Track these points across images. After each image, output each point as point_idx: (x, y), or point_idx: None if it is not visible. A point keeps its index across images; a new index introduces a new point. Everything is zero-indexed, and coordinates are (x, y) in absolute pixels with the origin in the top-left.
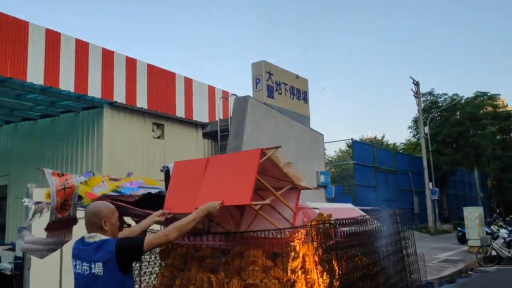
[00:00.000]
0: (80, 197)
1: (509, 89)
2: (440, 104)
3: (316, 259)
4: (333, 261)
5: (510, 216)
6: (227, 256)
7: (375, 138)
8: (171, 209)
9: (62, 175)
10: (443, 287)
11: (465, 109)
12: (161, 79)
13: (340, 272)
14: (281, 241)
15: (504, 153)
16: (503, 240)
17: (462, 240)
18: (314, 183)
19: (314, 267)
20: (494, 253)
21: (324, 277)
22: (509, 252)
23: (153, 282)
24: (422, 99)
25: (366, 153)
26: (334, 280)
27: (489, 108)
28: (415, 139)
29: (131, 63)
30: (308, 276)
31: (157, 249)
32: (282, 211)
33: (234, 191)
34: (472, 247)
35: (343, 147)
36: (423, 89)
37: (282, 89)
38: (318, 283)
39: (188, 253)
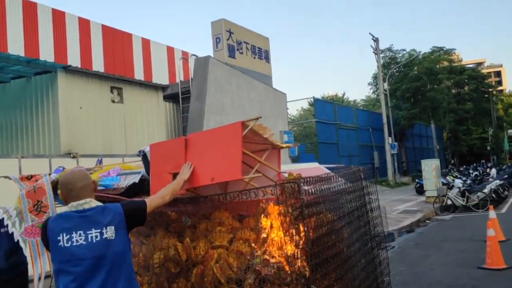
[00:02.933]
0: (56, 194)
1: (464, 44)
2: (399, 60)
3: (282, 218)
4: (299, 219)
5: (464, 166)
6: (193, 219)
7: (336, 95)
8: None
9: (31, 177)
10: (402, 236)
11: (423, 64)
12: (117, 40)
13: (305, 229)
14: (249, 203)
15: (459, 106)
16: (457, 190)
17: (420, 191)
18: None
19: (281, 226)
20: (449, 202)
21: (292, 234)
22: (463, 200)
23: None
24: (381, 55)
25: (328, 111)
26: (301, 237)
27: (445, 63)
28: (375, 95)
29: (84, 24)
30: (275, 235)
31: None
32: (267, 173)
33: (222, 167)
34: (429, 197)
35: (305, 105)
36: (382, 46)
37: (243, 48)
38: (285, 241)
39: (153, 218)
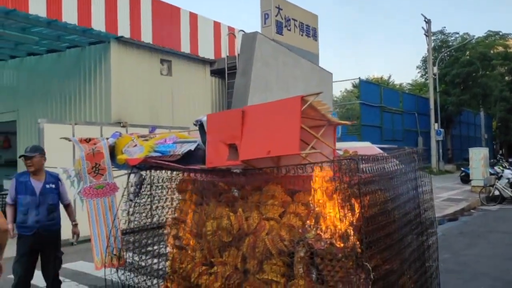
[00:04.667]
0: (113, 158)
1: None
2: (451, 43)
3: (337, 195)
4: (353, 197)
5: None
6: (244, 191)
7: (381, 78)
8: (213, 162)
9: (89, 140)
10: (445, 224)
11: (476, 49)
12: (165, 13)
13: (361, 207)
14: (302, 178)
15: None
16: (507, 181)
17: (465, 180)
18: None
19: (336, 203)
20: (497, 193)
21: (346, 211)
22: (511, 192)
23: (166, 216)
24: (432, 38)
25: (373, 93)
26: (355, 214)
27: (500, 48)
28: (423, 79)
29: None
30: (329, 211)
31: (173, 184)
32: (322, 150)
33: (279, 141)
34: (475, 187)
35: (349, 87)
36: (434, 28)
37: (291, 25)
38: (339, 218)
39: (205, 188)
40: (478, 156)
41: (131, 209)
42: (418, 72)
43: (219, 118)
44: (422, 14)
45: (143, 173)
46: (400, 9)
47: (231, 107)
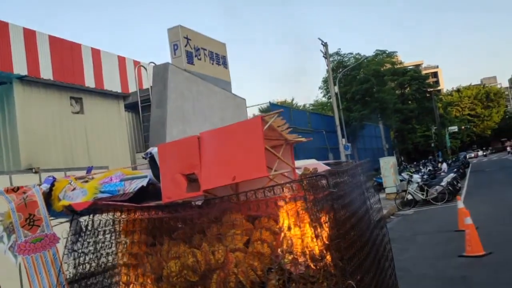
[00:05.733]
0: (49, 206)
1: (402, 47)
2: (347, 63)
3: (308, 215)
4: (324, 214)
5: (414, 163)
6: (199, 225)
7: (285, 101)
8: (171, 196)
9: (17, 189)
10: None
11: (370, 67)
12: (66, 50)
13: (333, 224)
14: (260, 202)
15: (404, 106)
16: (416, 185)
17: (378, 189)
18: None
19: (308, 223)
20: (410, 197)
21: (319, 230)
22: (422, 194)
23: (113, 262)
24: (330, 59)
25: (284, 116)
26: (328, 232)
27: (388, 65)
28: (326, 99)
29: (30, 34)
30: (298, 233)
31: (117, 227)
32: (283, 169)
33: (243, 165)
34: (390, 194)
35: (256, 112)
36: (330, 50)
37: (201, 55)
38: (311, 238)
39: (155, 227)
40: (387, 165)
41: (76, 260)
42: (321, 92)
43: (172, 148)
44: (319, 38)
45: (84, 218)
46: (293, 34)
47: (149, 141)
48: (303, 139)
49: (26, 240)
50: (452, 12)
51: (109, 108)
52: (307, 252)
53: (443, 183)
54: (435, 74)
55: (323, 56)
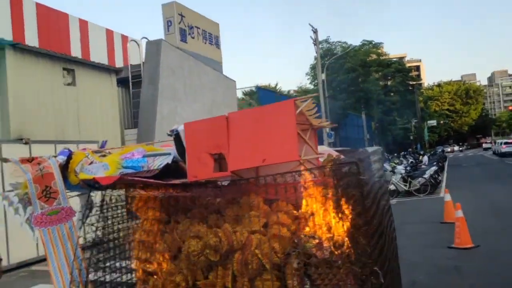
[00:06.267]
0: (65, 179)
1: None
2: (335, 51)
3: (333, 200)
4: (350, 201)
5: (395, 154)
6: (215, 204)
7: (268, 85)
8: (197, 175)
9: (32, 160)
10: None
11: (357, 56)
12: (52, 19)
13: (361, 210)
14: (284, 186)
15: (386, 97)
16: (400, 176)
17: None
18: None
19: (330, 209)
20: (392, 187)
21: (343, 217)
22: (405, 185)
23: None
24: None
25: (270, 100)
26: (352, 219)
27: (374, 56)
28: (312, 86)
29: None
30: (321, 218)
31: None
32: (308, 154)
33: (274, 147)
34: None
35: (240, 95)
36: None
37: (194, 33)
38: (335, 224)
39: (171, 204)
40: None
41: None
42: (308, 79)
43: (199, 127)
44: (310, 24)
45: (96, 193)
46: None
47: (139, 118)
48: (327, 124)
49: (43, 212)
50: (436, 6)
51: (101, 81)
52: (330, 238)
53: (426, 176)
54: (417, 68)
55: (313, 43)
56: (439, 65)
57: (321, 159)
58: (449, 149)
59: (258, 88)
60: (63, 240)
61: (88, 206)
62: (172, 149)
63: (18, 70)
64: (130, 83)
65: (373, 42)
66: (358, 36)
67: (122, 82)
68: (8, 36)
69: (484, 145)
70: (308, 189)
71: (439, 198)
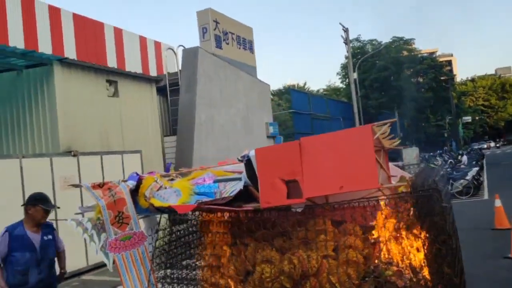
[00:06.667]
0: (136, 203)
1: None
2: (367, 50)
3: (411, 228)
4: (429, 229)
5: (431, 153)
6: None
7: (297, 85)
8: (270, 201)
9: (103, 185)
10: None
11: (389, 54)
12: (89, 29)
13: (440, 240)
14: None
15: (419, 94)
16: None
17: None
18: (265, 134)
19: (410, 236)
20: None
21: (422, 244)
22: (449, 189)
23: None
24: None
25: (302, 101)
26: (429, 249)
27: (405, 53)
28: (343, 85)
29: (55, 11)
30: (397, 246)
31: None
32: (380, 176)
33: (352, 174)
34: None
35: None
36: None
37: (229, 39)
38: (410, 251)
39: (235, 226)
40: (411, 155)
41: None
42: (339, 78)
43: (271, 152)
44: (340, 23)
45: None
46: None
47: (178, 126)
48: (397, 145)
49: (116, 238)
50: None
51: (142, 91)
52: (408, 265)
53: (468, 177)
54: (449, 63)
55: (344, 42)
56: (472, 59)
57: (393, 181)
58: (485, 146)
59: (290, 89)
60: (136, 266)
61: (153, 228)
62: (242, 174)
63: (65, 84)
64: (168, 91)
65: (404, 39)
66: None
67: (160, 90)
68: (48, 49)
69: None
70: (384, 214)
71: (483, 201)
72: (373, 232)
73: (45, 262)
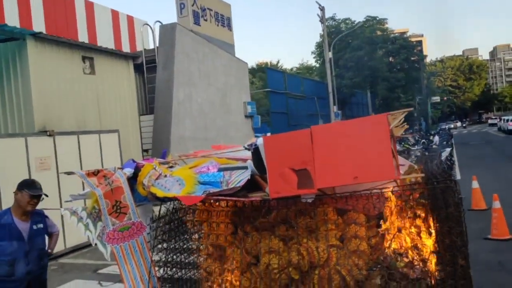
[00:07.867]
0: (134, 191)
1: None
2: (341, 29)
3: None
4: (445, 221)
5: (410, 130)
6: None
7: (269, 63)
8: (280, 191)
9: (98, 172)
10: None
11: (363, 33)
12: (58, 2)
13: (457, 230)
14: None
15: (391, 74)
16: (415, 158)
17: None
18: (243, 113)
19: (422, 227)
20: None
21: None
22: None
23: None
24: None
25: (278, 80)
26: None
27: (378, 32)
28: (318, 64)
29: None
30: (409, 237)
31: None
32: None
33: (367, 165)
34: None
35: None
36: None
37: (207, 15)
38: (423, 242)
39: (235, 214)
40: None
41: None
42: (314, 57)
43: (280, 141)
44: (317, 2)
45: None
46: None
47: (155, 104)
48: (409, 136)
49: (114, 228)
50: None
51: (119, 69)
52: (420, 256)
53: (442, 158)
54: (419, 43)
55: (320, 21)
56: (441, 40)
57: (402, 170)
58: (452, 125)
59: (266, 68)
60: (135, 257)
61: (155, 219)
62: (248, 162)
63: (39, 61)
64: (145, 68)
65: (377, 18)
66: (361, 12)
67: (136, 67)
68: (15, 22)
69: (490, 121)
70: (396, 204)
71: (456, 180)
72: (381, 222)
73: (33, 252)
